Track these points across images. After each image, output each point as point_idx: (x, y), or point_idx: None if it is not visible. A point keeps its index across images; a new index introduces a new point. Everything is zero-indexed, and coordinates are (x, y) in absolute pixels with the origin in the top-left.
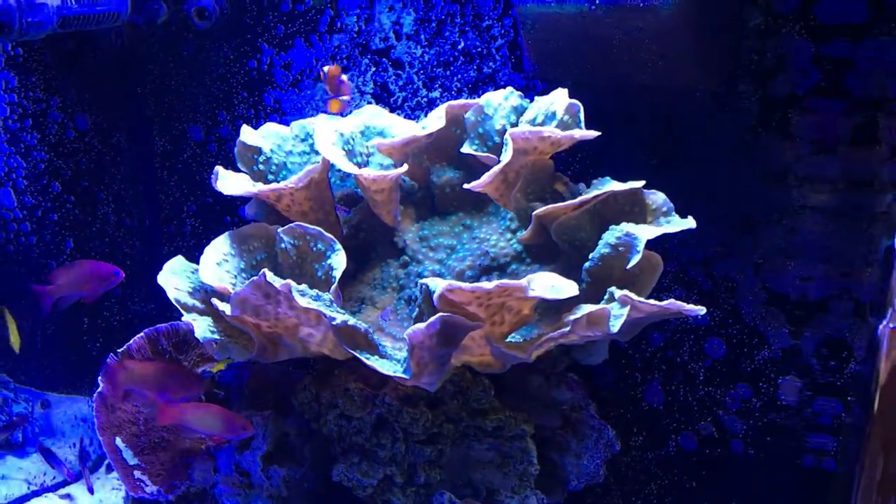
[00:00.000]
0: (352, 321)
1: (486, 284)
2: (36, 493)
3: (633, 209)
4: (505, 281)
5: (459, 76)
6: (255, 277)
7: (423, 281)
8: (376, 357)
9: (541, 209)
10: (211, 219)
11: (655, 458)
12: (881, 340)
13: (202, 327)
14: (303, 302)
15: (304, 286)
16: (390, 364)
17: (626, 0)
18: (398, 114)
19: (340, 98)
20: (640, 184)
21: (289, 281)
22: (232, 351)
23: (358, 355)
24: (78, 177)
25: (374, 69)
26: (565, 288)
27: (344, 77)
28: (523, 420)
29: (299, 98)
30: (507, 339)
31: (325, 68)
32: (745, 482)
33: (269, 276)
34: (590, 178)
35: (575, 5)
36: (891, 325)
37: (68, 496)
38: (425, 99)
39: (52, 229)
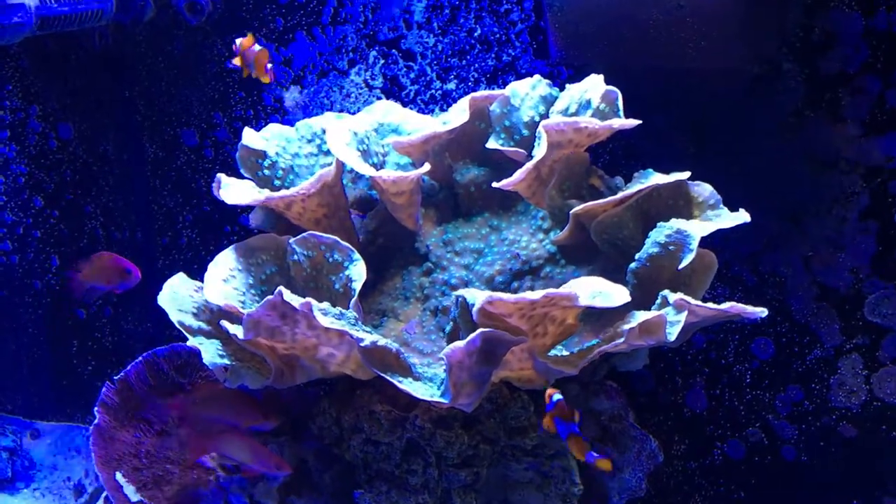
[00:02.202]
0: (382, 342)
1: (531, 294)
2: None
3: (678, 203)
4: (552, 290)
5: (476, 65)
6: (270, 297)
7: (460, 292)
8: (410, 380)
9: (579, 207)
10: (209, 229)
11: (700, 467)
12: None
13: (210, 352)
14: (325, 322)
15: (325, 304)
16: (426, 388)
17: None
18: (411, 108)
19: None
20: (685, 175)
21: (309, 299)
22: (245, 377)
23: (390, 378)
24: (62, 190)
25: (383, 62)
26: (615, 294)
27: (257, 47)
28: None
29: (303, 95)
30: (551, 352)
31: (238, 41)
32: (799, 492)
33: (287, 294)
34: (622, 169)
35: None
36: None
37: None
38: (440, 91)
39: (36, 247)
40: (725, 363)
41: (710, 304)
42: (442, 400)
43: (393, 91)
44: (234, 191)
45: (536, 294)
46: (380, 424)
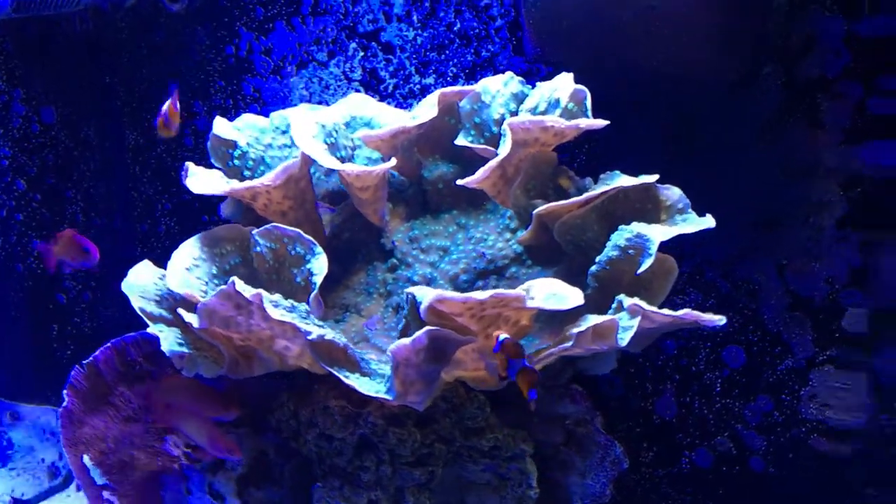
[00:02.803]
0: (329, 335)
1: (479, 295)
2: None
3: (646, 206)
4: (500, 290)
5: (455, 60)
6: (223, 287)
7: (410, 290)
8: (357, 375)
9: (542, 207)
10: (188, 218)
11: (667, 475)
12: None
13: (169, 340)
14: (275, 314)
15: (277, 296)
16: (372, 383)
17: None
18: (389, 102)
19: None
20: (652, 178)
21: (260, 291)
22: (201, 366)
23: (336, 373)
24: (44, 174)
25: (362, 54)
26: (569, 297)
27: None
28: (522, 439)
29: (281, 86)
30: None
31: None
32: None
33: (240, 284)
34: (599, 171)
35: None
36: None
37: None
38: (418, 86)
39: (18, 230)
40: (696, 370)
41: (666, 311)
42: (387, 396)
43: (372, 84)
44: (201, 180)
45: (485, 294)
46: (333, 420)
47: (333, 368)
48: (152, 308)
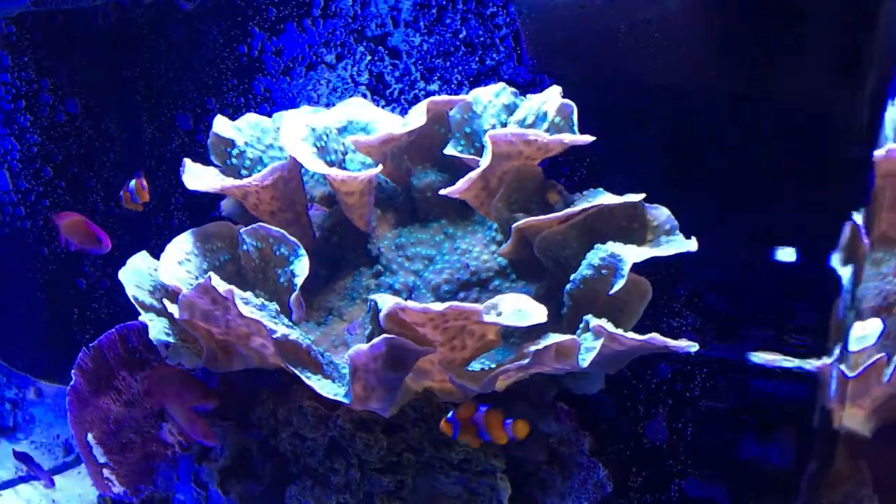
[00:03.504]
0: (293, 336)
1: (437, 306)
2: (23, 479)
3: (632, 225)
4: (457, 303)
5: (460, 68)
6: (201, 281)
7: (373, 297)
8: (319, 377)
9: (521, 221)
10: (200, 212)
11: (655, 502)
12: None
13: (157, 329)
14: (245, 311)
15: (248, 294)
16: (332, 386)
17: None
18: (394, 107)
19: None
20: (637, 197)
21: (232, 287)
22: (183, 356)
23: (298, 373)
24: (69, 162)
25: (369, 58)
26: (533, 314)
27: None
28: (493, 454)
29: (290, 87)
30: (470, 367)
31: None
32: None
33: (215, 280)
34: (598, 185)
35: None
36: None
37: (51, 484)
38: (423, 92)
39: (45, 215)
40: (690, 397)
41: (631, 334)
42: (343, 400)
43: (378, 88)
44: (196, 176)
45: (443, 305)
46: (306, 420)
47: (297, 369)
48: (145, 297)
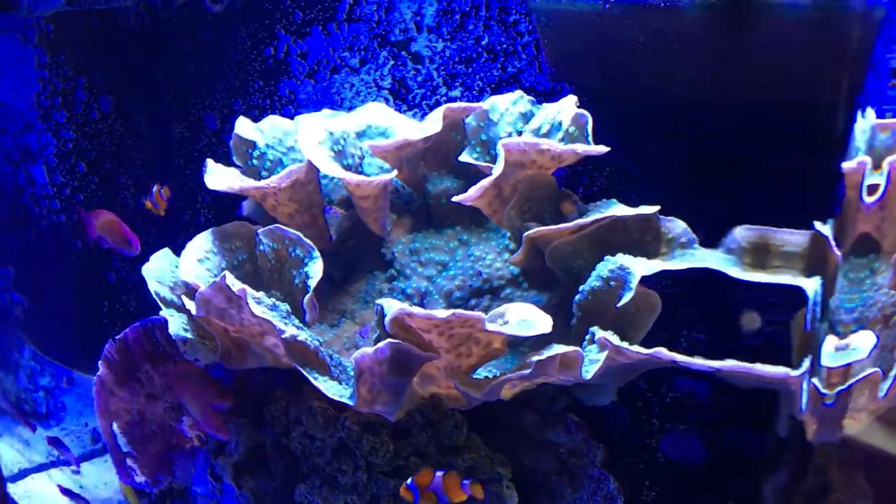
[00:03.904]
0: (301, 336)
1: (441, 312)
2: (53, 464)
3: (645, 238)
4: (460, 311)
5: (482, 74)
6: (216, 279)
7: (379, 301)
8: (326, 378)
9: (532, 231)
10: (224, 211)
11: None
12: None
13: (177, 324)
14: (257, 310)
15: (261, 293)
16: (339, 388)
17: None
18: (416, 112)
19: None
20: (651, 209)
21: (245, 287)
22: (199, 352)
23: (306, 374)
24: (101, 159)
25: (392, 63)
26: (538, 324)
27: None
28: (500, 463)
29: (315, 90)
30: (477, 374)
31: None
32: None
33: (229, 278)
34: (618, 195)
35: (589, 3)
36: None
37: (78, 471)
38: (444, 97)
39: (79, 211)
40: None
41: (636, 348)
42: (348, 402)
43: (400, 93)
44: (216, 177)
45: (446, 313)
46: (315, 420)
47: (305, 369)
48: (166, 293)
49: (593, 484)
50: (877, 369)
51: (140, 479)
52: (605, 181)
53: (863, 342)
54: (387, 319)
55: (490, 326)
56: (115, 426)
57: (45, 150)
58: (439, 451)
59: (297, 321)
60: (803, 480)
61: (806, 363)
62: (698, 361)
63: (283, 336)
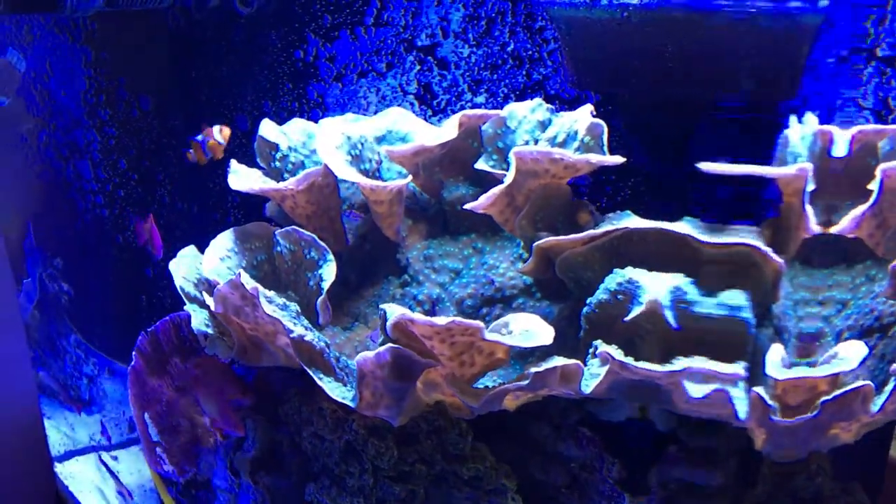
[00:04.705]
0: (308, 337)
1: (441, 320)
2: (94, 448)
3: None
4: (458, 319)
5: (507, 81)
6: (232, 277)
7: (383, 306)
8: (330, 379)
9: (542, 241)
10: (253, 211)
11: None
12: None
13: (199, 319)
14: (268, 309)
15: (272, 293)
16: (342, 389)
17: (663, 7)
18: (441, 117)
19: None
20: (666, 225)
21: (257, 285)
22: (218, 347)
23: (312, 374)
24: (141, 156)
25: (418, 68)
26: (539, 336)
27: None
28: (505, 474)
29: (342, 93)
30: (480, 384)
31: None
32: None
33: (244, 276)
34: (644, 205)
35: (606, 10)
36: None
37: (115, 458)
38: (469, 103)
39: (120, 205)
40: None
41: (645, 364)
42: (350, 403)
43: (425, 98)
44: (239, 178)
45: (445, 320)
46: (325, 421)
47: (310, 369)
48: (190, 289)
49: (605, 500)
50: (868, 382)
51: (168, 467)
52: (630, 192)
53: (852, 353)
54: (388, 324)
55: (489, 336)
56: (146, 415)
57: (91, 147)
58: (444, 458)
59: (306, 322)
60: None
61: (740, 370)
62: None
63: (291, 335)
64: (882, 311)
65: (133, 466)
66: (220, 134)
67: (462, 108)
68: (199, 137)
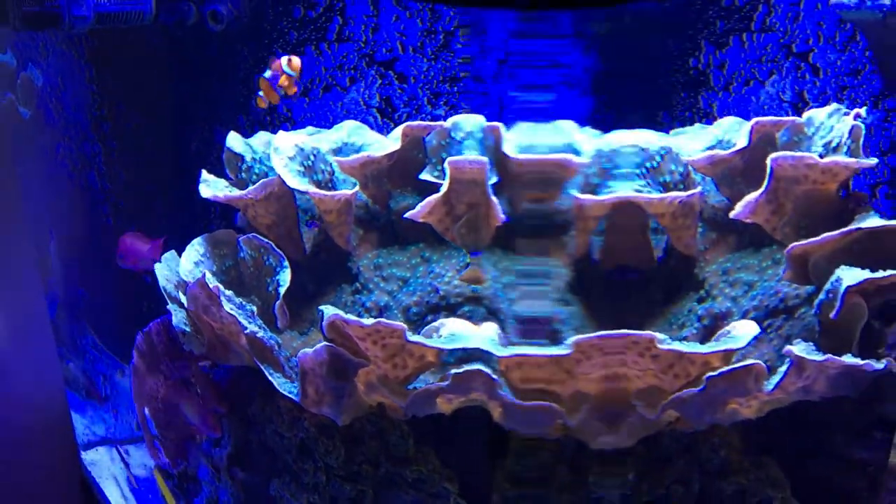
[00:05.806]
0: (260, 334)
1: (368, 320)
2: (111, 440)
3: None
4: (383, 320)
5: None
6: (198, 276)
7: (321, 307)
8: (279, 375)
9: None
10: (234, 220)
11: None
12: None
13: (178, 317)
14: (226, 307)
15: (230, 292)
16: (289, 385)
17: None
18: None
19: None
20: None
21: (217, 284)
22: (193, 343)
23: (263, 369)
24: (138, 169)
25: (379, 82)
26: (466, 339)
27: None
28: (447, 478)
29: (309, 108)
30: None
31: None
32: None
33: (207, 276)
34: None
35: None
36: None
37: (127, 451)
38: (429, 116)
39: (122, 216)
40: None
41: None
42: (295, 398)
43: (387, 111)
44: (207, 187)
45: (371, 321)
46: (282, 419)
47: (263, 365)
48: (172, 289)
49: None
50: (758, 361)
51: (164, 460)
52: None
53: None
54: (324, 324)
55: (412, 338)
56: (146, 411)
57: (97, 159)
58: (388, 460)
59: (260, 321)
60: None
61: None
62: None
63: (245, 331)
64: (787, 293)
65: (141, 460)
66: (288, 65)
67: (422, 120)
68: (267, 74)
